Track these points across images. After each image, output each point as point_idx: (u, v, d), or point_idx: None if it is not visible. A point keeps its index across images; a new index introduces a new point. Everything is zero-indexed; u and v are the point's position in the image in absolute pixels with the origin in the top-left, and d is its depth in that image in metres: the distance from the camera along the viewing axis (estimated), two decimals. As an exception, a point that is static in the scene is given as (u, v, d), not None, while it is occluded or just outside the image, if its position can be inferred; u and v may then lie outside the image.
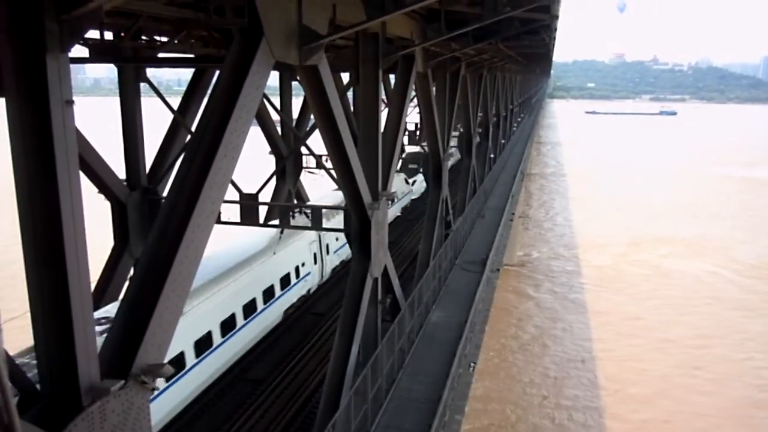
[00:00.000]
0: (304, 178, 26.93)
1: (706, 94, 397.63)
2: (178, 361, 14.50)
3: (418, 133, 40.14)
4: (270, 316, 19.66)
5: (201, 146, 7.38)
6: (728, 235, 60.97)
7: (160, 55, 17.23)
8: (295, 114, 26.90)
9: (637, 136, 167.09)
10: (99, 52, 15.30)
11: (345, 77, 27.22)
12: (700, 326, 38.39)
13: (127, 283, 17.35)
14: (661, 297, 43.40)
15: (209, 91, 17.99)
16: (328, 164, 17.52)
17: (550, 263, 50.38)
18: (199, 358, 15.52)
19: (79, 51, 15.24)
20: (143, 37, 16.84)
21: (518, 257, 50.08)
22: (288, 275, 20.75)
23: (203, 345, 15.74)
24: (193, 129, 17.46)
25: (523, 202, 61.75)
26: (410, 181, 39.83)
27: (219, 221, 15.40)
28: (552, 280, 46.42)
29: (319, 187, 29.41)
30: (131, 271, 17.61)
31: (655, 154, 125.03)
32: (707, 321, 39.32)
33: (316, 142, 16.44)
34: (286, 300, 20.88)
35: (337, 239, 25.13)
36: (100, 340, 5.95)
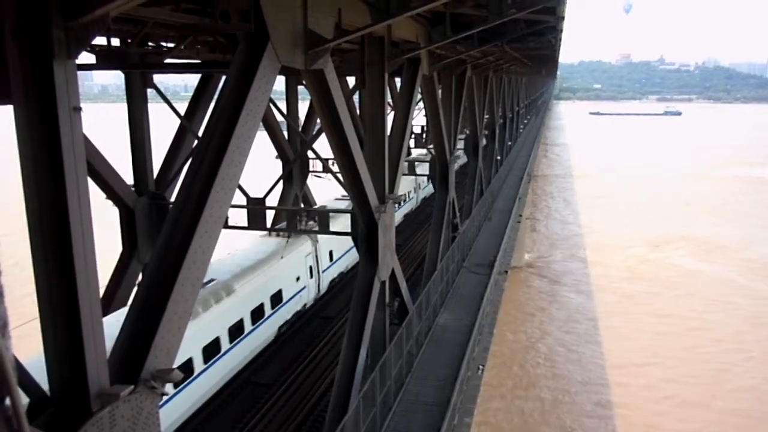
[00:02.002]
0: (311, 182, 26.96)
1: (713, 94, 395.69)
2: None
3: (424, 135, 40.18)
4: None
5: (208, 151, 7.40)
6: (749, 234, 60.23)
7: (167, 61, 17.29)
8: (302, 118, 26.96)
9: (642, 136, 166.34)
10: (106, 59, 15.37)
11: (351, 81, 27.30)
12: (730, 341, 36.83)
13: (135, 289, 17.39)
14: (685, 304, 41.98)
15: (216, 97, 18.04)
16: (335, 168, 17.56)
17: (556, 265, 50.10)
18: None
19: (86, 58, 15.31)
20: (150, 44, 16.92)
21: (526, 259, 49.86)
22: None
23: None
24: (200, 134, 17.50)
25: (530, 204, 61.47)
26: None
27: (226, 226, 15.46)
28: (557, 282, 46.18)
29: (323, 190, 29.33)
30: (140, 277, 17.67)
31: (659, 154, 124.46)
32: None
33: (322, 145, 16.45)
34: None
35: None
36: None
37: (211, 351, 15.82)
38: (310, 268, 22.15)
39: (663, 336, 36.44)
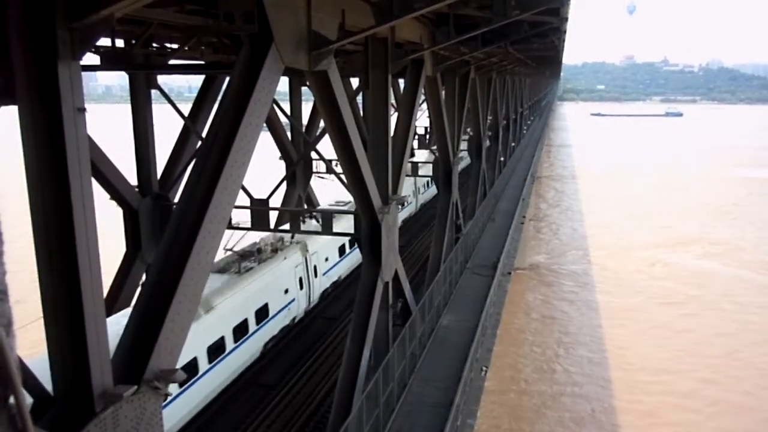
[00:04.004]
0: (314, 183, 26.96)
1: (717, 95, 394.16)
2: None
3: (427, 137, 40.16)
4: None
5: (212, 152, 7.41)
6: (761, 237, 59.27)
7: (171, 62, 17.32)
8: (305, 119, 26.98)
9: (646, 137, 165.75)
10: (110, 60, 15.41)
11: (354, 82, 27.31)
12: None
13: (139, 289, 17.42)
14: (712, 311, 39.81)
15: (219, 98, 18.08)
16: (338, 169, 17.57)
17: (563, 268, 49.58)
18: None
19: (90, 59, 15.35)
20: (154, 45, 16.94)
21: (529, 261, 49.45)
22: None
23: None
24: (203, 135, 17.53)
25: (534, 205, 61.01)
26: None
27: (230, 227, 15.47)
28: (559, 282, 45.88)
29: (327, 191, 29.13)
30: (143, 277, 17.70)
31: (664, 155, 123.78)
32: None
33: (326, 147, 16.46)
34: None
35: None
36: None
37: None
38: None
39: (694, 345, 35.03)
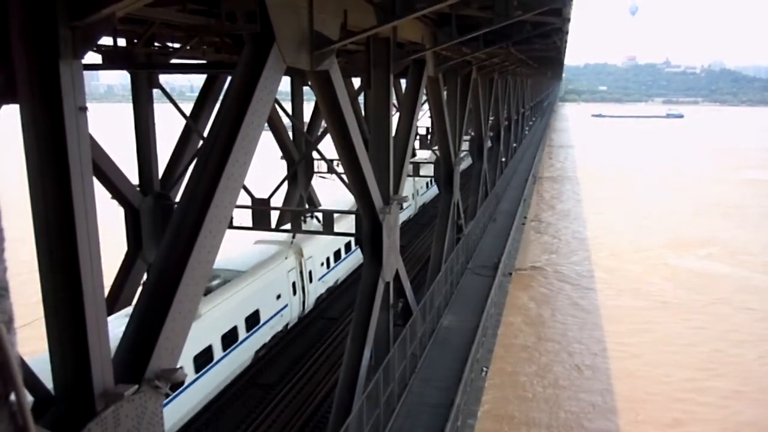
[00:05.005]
0: (316, 182, 26.97)
1: (719, 97, 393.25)
2: None
3: (429, 137, 40.16)
4: None
5: (213, 152, 7.42)
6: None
7: (173, 61, 17.33)
8: (307, 119, 26.99)
9: (648, 138, 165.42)
10: (112, 59, 15.42)
11: (356, 82, 27.29)
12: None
13: (140, 289, 17.43)
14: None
15: (221, 97, 18.09)
16: (340, 169, 17.58)
17: (566, 269, 49.29)
18: None
19: (92, 57, 15.36)
20: (156, 44, 16.97)
21: (530, 262, 49.18)
22: None
23: None
24: (205, 134, 17.54)
25: (535, 206, 60.71)
26: None
27: (231, 226, 15.48)
28: (562, 284, 45.75)
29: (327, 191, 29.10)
30: (144, 276, 17.70)
31: (667, 156, 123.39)
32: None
33: (327, 146, 16.46)
34: None
35: None
36: None
37: None
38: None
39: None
